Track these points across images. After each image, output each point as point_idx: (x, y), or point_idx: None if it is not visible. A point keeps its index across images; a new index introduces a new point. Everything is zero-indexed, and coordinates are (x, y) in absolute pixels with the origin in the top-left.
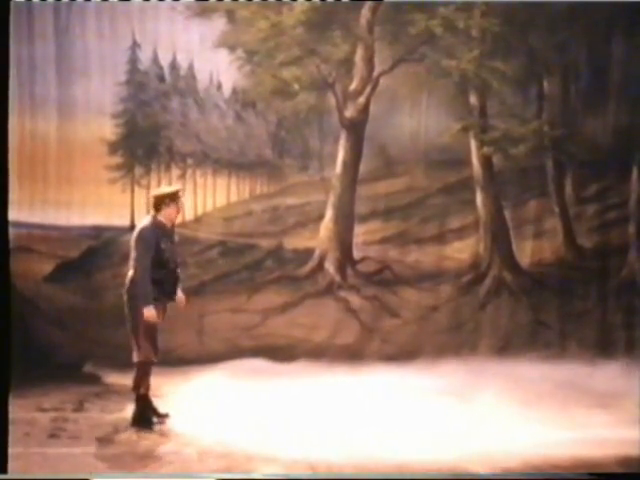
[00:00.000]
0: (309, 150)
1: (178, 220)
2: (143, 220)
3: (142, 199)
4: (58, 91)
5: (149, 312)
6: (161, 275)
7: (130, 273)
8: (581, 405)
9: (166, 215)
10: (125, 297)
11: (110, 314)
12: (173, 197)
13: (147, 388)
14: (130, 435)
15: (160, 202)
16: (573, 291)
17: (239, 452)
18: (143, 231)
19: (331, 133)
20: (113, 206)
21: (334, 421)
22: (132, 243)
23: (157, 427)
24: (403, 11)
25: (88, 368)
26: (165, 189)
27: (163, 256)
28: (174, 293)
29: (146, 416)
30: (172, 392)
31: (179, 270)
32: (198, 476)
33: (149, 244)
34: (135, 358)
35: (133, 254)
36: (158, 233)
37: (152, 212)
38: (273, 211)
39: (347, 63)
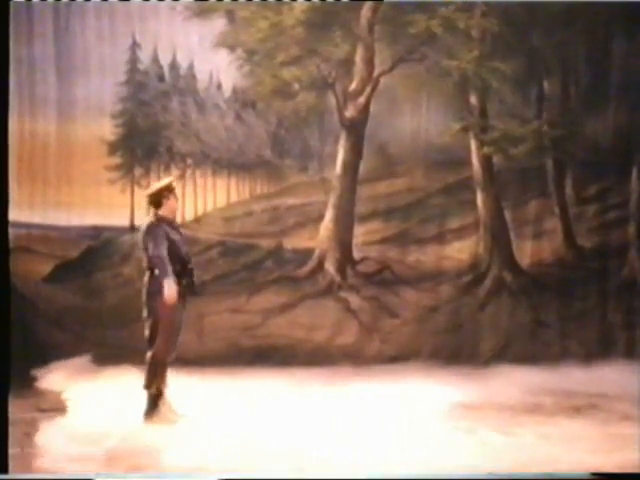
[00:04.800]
0: (309, 150)
1: (178, 220)
2: (145, 220)
3: (142, 199)
4: (58, 91)
5: (172, 287)
6: (178, 268)
7: (148, 272)
8: (581, 404)
9: (168, 209)
10: (144, 294)
11: (110, 314)
12: (170, 189)
13: (159, 389)
14: (131, 435)
15: (159, 197)
16: (573, 291)
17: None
18: (151, 226)
19: (331, 133)
20: (113, 206)
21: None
22: (141, 238)
23: (165, 426)
24: (403, 11)
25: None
26: (159, 184)
27: (177, 249)
28: (193, 285)
29: (158, 413)
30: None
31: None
32: (198, 476)
33: (160, 235)
34: (147, 355)
35: (148, 246)
36: (166, 227)
37: (152, 211)
38: (273, 211)
39: (347, 63)
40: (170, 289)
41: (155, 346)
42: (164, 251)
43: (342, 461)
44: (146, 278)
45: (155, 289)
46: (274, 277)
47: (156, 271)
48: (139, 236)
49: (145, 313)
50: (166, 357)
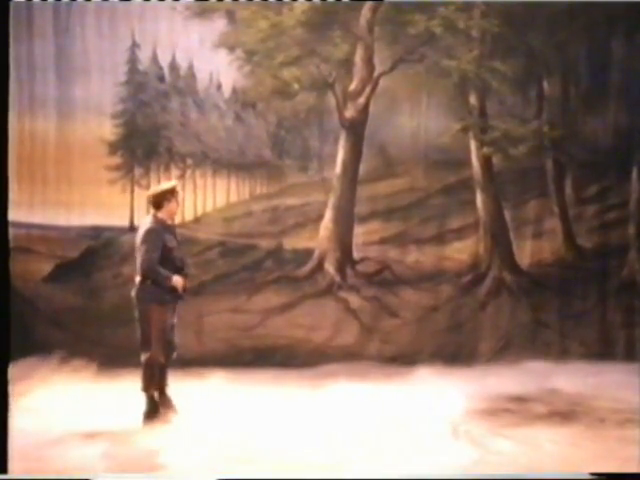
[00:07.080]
0: (309, 150)
1: (178, 220)
2: (145, 220)
3: (142, 199)
4: (57, 91)
5: (178, 281)
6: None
7: (138, 277)
8: (582, 404)
9: (167, 212)
10: (134, 298)
11: (110, 314)
12: (173, 192)
13: (159, 390)
14: (131, 435)
15: (161, 199)
16: (573, 291)
17: (234, 455)
18: (150, 231)
19: (331, 133)
20: (113, 206)
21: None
22: (138, 242)
23: (162, 427)
24: (403, 11)
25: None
26: (163, 185)
27: (171, 255)
28: (184, 291)
29: (156, 415)
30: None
31: (186, 267)
32: (198, 477)
33: (156, 242)
34: (142, 358)
35: (141, 251)
36: (163, 232)
37: (152, 211)
38: (273, 211)
39: (347, 63)
40: (178, 282)
41: (150, 348)
42: (156, 258)
43: (342, 461)
44: (136, 281)
45: (144, 295)
46: (274, 277)
47: (148, 282)
48: (137, 238)
49: (137, 316)
50: (161, 360)
